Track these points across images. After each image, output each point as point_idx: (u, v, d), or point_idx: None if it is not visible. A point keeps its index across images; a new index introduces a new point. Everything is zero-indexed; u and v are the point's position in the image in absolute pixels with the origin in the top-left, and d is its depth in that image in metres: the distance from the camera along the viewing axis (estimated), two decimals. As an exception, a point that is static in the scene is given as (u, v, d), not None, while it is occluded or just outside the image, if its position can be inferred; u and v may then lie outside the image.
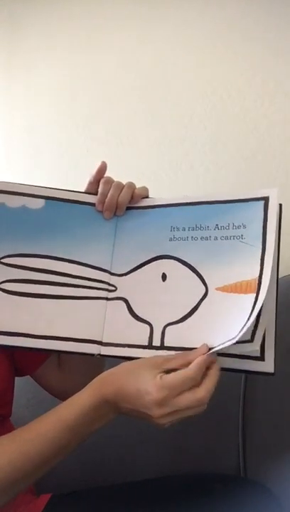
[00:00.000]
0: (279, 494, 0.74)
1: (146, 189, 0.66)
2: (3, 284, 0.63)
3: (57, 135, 1.22)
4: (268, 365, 0.58)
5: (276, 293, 0.58)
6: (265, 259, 0.56)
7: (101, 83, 1.18)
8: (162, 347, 0.60)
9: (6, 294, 0.62)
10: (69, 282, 0.63)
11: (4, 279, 0.63)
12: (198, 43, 1.10)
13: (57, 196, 0.66)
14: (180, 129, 1.12)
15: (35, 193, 0.65)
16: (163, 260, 0.63)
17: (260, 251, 0.57)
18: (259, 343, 0.56)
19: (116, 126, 1.16)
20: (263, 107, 1.06)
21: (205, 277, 0.60)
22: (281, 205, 0.60)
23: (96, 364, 0.71)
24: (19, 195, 0.65)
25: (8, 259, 0.63)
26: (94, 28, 1.19)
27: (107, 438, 0.88)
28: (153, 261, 0.63)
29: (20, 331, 0.61)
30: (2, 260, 0.63)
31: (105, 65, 1.18)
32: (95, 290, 0.63)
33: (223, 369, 0.58)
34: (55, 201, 0.65)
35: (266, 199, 0.59)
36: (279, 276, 0.60)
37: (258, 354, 0.57)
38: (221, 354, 0.57)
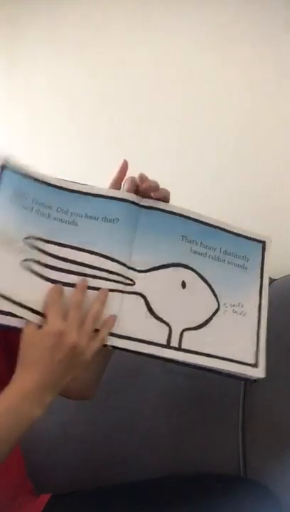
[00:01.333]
0: (279, 494, 0.74)
1: (169, 192, 0.69)
2: (25, 262, 0.62)
3: (57, 135, 1.22)
4: (260, 372, 0.65)
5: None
6: (262, 291, 0.70)
7: (102, 83, 1.18)
8: (179, 349, 0.64)
9: (26, 271, 0.62)
10: (86, 272, 0.63)
11: (28, 257, 0.62)
12: (198, 43, 1.11)
13: (83, 191, 0.67)
14: (180, 129, 1.12)
15: (62, 186, 0.66)
16: (183, 269, 0.67)
17: (259, 283, 0.70)
18: (264, 368, 0.65)
19: (116, 126, 1.17)
20: (263, 107, 1.06)
21: (217, 294, 0.68)
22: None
23: (101, 361, 0.71)
24: (47, 184, 0.66)
25: (31, 240, 0.63)
26: (94, 28, 1.19)
27: (107, 438, 0.89)
28: (173, 266, 0.67)
29: (27, 305, 0.60)
30: (26, 240, 0.63)
31: (105, 65, 1.18)
32: (112, 282, 0.64)
33: (224, 372, 0.65)
34: (81, 194, 0.66)
35: (263, 243, 0.72)
36: (280, 277, 0.64)
37: (263, 376, 0.66)
38: (223, 358, 0.65)
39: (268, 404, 0.86)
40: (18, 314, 0.60)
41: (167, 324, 0.64)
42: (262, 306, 0.69)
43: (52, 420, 0.89)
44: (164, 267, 0.66)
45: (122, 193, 0.67)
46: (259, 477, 0.81)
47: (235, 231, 0.72)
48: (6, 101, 1.27)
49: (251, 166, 1.08)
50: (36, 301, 0.61)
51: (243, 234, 0.72)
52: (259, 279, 0.71)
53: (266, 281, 0.71)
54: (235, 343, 0.66)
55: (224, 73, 1.09)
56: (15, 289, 0.61)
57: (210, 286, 0.68)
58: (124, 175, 0.68)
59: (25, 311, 0.60)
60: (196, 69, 1.11)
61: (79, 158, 1.19)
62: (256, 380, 0.66)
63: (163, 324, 0.64)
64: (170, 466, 0.86)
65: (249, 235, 0.72)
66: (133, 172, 0.68)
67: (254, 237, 0.73)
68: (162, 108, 1.13)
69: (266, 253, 0.72)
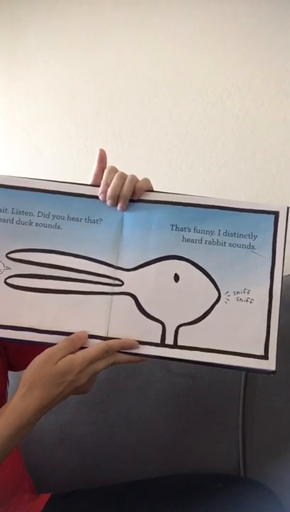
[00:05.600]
0: (279, 494, 0.74)
1: (147, 181, 0.65)
2: (9, 279, 0.63)
3: (57, 135, 1.22)
4: (271, 364, 0.61)
5: (280, 295, 0.63)
6: (275, 272, 0.63)
7: (102, 83, 1.18)
8: (175, 346, 0.62)
9: (12, 289, 0.63)
10: (74, 277, 0.64)
11: (11, 274, 0.63)
12: (198, 43, 1.11)
13: (62, 190, 0.66)
14: (180, 129, 1.12)
15: (40, 188, 0.65)
16: (175, 261, 0.64)
17: (270, 264, 0.63)
18: (274, 359, 0.61)
19: (116, 126, 1.17)
20: (263, 106, 1.06)
21: (217, 282, 0.63)
22: (289, 207, 0.64)
23: None
24: (26, 189, 0.65)
25: (14, 254, 0.64)
26: (94, 28, 1.19)
27: (107, 438, 0.89)
28: (164, 260, 0.64)
29: (25, 326, 0.62)
30: (9, 255, 0.64)
31: (105, 64, 1.18)
32: (100, 285, 0.64)
33: (225, 366, 0.62)
34: (60, 195, 0.65)
35: (276, 214, 0.64)
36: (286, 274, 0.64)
37: (273, 368, 0.61)
38: (224, 352, 0.62)
39: (268, 404, 0.86)
40: (20, 339, 0.62)
41: (160, 322, 0.63)
42: (274, 289, 0.62)
43: (52, 420, 0.89)
44: (153, 262, 0.64)
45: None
46: (259, 477, 0.81)
47: (239, 206, 0.64)
48: (6, 101, 1.27)
49: (251, 166, 1.08)
50: (32, 318, 0.62)
51: (249, 208, 0.64)
52: (270, 259, 0.63)
53: (279, 260, 0.63)
54: (240, 334, 0.62)
55: (224, 73, 1.09)
56: (9, 312, 0.62)
57: (208, 274, 0.63)
58: (104, 165, 0.66)
59: (27, 333, 0.62)
60: (196, 69, 1.11)
61: (80, 158, 1.19)
62: (274, 372, 0.61)
63: (155, 322, 0.63)
64: (170, 466, 0.86)
65: (256, 208, 0.64)
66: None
67: (264, 208, 0.64)
68: (162, 108, 1.13)
69: (279, 226, 0.63)
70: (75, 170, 1.19)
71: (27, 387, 0.57)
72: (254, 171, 1.07)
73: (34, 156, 1.24)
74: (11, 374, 0.75)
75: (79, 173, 1.18)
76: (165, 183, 1.11)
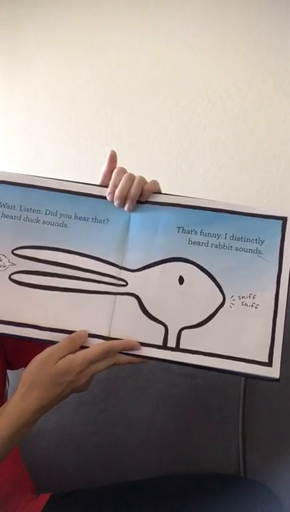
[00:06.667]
0: (279, 494, 0.74)
1: (155, 183, 0.66)
2: (14, 275, 0.63)
3: (57, 135, 1.22)
4: (274, 371, 0.60)
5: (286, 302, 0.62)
6: (281, 278, 0.62)
7: (102, 83, 1.18)
8: (177, 349, 0.61)
9: (16, 285, 0.63)
10: (78, 276, 0.64)
11: (16, 270, 0.63)
12: (198, 43, 1.11)
13: (71, 189, 0.66)
14: (180, 129, 1.12)
15: (49, 186, 0.66)
16: (180, 263, 0.63)
17: (276, 269, 0.62)
18: (278, 367, 0.60)
19: (116, 126, 1.17)
20: (263, 106, 1.06)
21: (222, 286, 0.63)
22: None
23: None
24: (34, 187, 0.65)
25: (20, 250, 0.64)
26: (94, 28, 1.19)
27: (107, 438, 0.89)
28: (169, 262, 0.64)
29: (28, 322, 0.62)
30: (15, 251, 0.64)
31: (105, 64, 1.18)
32: (104, 284, 0.63)
33: (228, 372, 0.61)
34: (68, 194, 0.66)
35: (284, 219, 0.63)
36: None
37: (277, 376, 0.60)
38: (227, 357, 0.61)
39: (268, 404, 0.86)
40: (23, 335, 0.62)
41: (163, 324, 0.62)
42: (280, 295, 0.62)
43: (52, 420, 0.89)
44: (158, 264, 0.64)
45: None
46: (259, 477, 0.81)
47: (247, 211, 0.64)
48: (6, 101, 1.27)
49: (251, 166, 1.08)
50: (35, 315, 0.62)
51: (257, 213, 0.64)
52: (277, 264, 0.62)
53: (286, 266, 0.62)
54: (244, 340, 0.61)
55: (224, 73, 1.09)
56: (12, 308, 0.62)
57: (213, 278, 0.62)
58: (114, 166, 0.66)
59: (29, 329, 0.62)
60: (196, 69, 1.11)
61: (80, 158, 1.19)
62: (278, 380, 0.60)
63: (158, 324, 0.62)
64: (170, 466, 0.86)
65: (264, 213, 0.64)
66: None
67: (271, 213, 0.64)
68: (162, 108, 1.13)
69: (287, 232, 0.63)
70: (75, 170, 1.19)
71: (26, 386, 0.57)
72: (254, 171, 1.07)
73: (34, 156, 1.24)
74: (11, 374, 0.75)
75: (79, 173, 1.18)
76: (166, 182, 1.10)
